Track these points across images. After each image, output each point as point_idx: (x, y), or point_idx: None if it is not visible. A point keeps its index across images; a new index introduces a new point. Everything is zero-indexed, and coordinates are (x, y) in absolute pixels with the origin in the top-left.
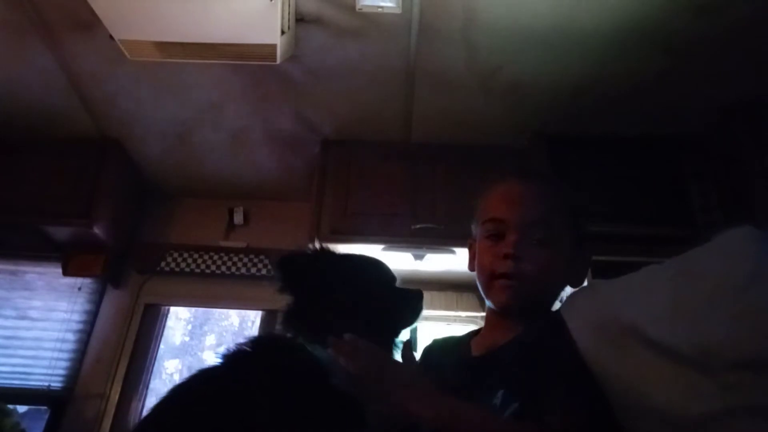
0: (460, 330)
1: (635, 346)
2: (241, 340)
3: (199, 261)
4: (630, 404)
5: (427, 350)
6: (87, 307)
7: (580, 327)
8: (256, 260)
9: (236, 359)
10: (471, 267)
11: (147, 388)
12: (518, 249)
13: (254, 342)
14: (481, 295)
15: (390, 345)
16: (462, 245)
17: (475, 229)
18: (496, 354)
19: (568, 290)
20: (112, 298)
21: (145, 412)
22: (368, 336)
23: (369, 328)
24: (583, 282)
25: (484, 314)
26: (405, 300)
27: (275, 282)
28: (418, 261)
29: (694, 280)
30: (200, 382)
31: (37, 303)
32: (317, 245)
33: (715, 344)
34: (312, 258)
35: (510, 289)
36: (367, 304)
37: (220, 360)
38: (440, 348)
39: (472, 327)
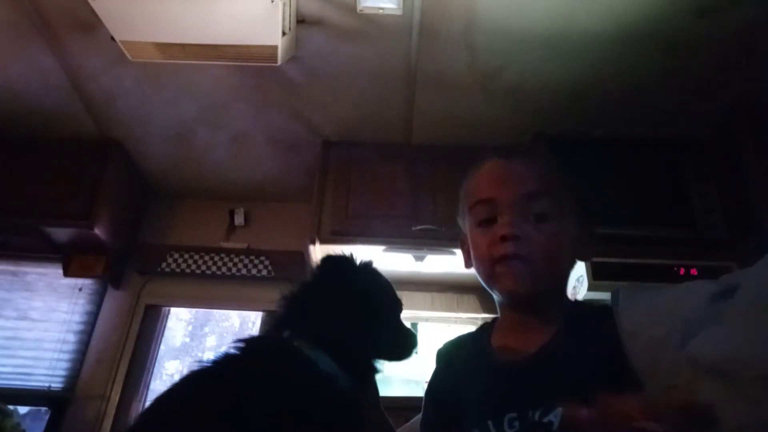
0: (460, 331)
1: (671, 360)
2: (233, 342)
3: (200, 262)
4: None
5: (443, 353)
6: (87, 308)
7: (627, 335)
8: (256, 261)
9: (230, 365)
10: (467, 264)
11: (147, 389)
12: (515, 228)
13: (249, 344)
14: (481, 296)
15: (369, 370)
16: None
17: (463, 222)
18: (543, 357)
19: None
20: (113, 299)
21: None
22: (355, 354)
23: (363, 347)
24: (591, 257)
25: (484, 316)
26: (404, 334)
27: (301, 275)
28: (419, 262)
29: (735, 295)
30: (191, 391)
31: (37, 304)
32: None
33: (745, 357)
34: (353, 265)
35: (515, 272)
36: (375, 327)
37: (210, 365)
38: (456, 349)
39: (473, 328)
